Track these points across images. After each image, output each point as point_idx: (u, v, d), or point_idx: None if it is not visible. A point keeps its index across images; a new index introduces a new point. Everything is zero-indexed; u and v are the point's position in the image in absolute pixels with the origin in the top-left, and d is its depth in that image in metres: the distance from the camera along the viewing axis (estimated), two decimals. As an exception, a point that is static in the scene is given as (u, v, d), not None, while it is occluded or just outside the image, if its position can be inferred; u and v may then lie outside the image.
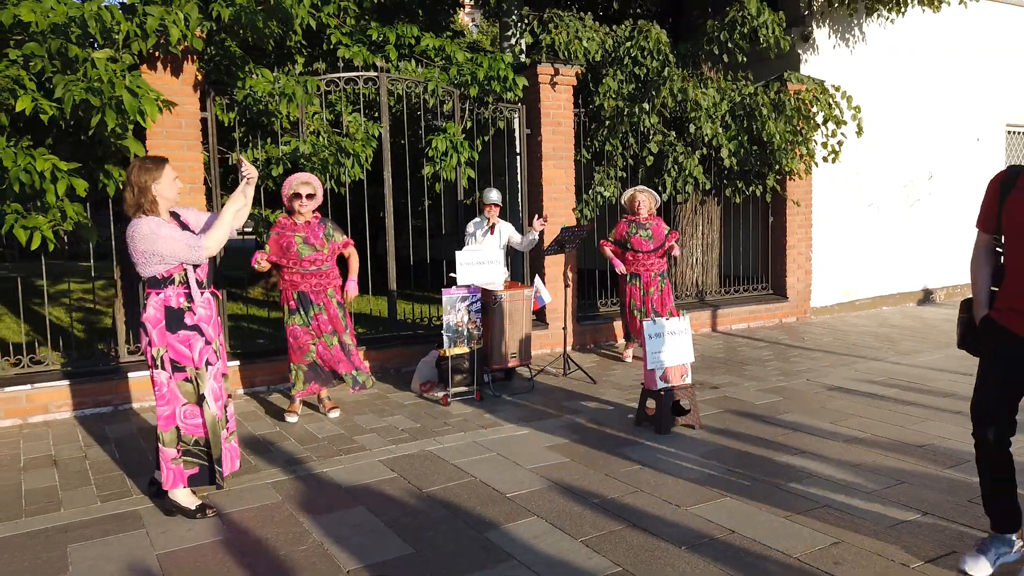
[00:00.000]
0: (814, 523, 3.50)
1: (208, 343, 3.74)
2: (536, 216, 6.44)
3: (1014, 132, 11.69)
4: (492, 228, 6.43)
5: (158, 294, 3.64)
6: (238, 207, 3.70)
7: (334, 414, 5.48)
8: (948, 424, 5.00)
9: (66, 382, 5.60)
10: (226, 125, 6.32)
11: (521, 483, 4.10)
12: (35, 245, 4.53)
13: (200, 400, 3.76)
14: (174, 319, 3.64)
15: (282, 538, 3.49)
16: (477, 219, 6.60)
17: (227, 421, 3.87)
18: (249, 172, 3.68)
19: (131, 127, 4.77)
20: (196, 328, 3.70)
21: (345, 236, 5.45)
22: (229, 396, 3.97)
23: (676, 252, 6.78)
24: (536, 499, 3.87)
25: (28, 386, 5.46)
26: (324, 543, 3.42)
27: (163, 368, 3.66)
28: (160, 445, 3.71)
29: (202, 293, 3.72)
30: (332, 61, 7.96)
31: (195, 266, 3.69)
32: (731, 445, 4.67)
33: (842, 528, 3.44)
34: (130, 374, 5.83)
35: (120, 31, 4.46)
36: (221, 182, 6.34)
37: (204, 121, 6.06)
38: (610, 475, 4.19)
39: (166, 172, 3.60)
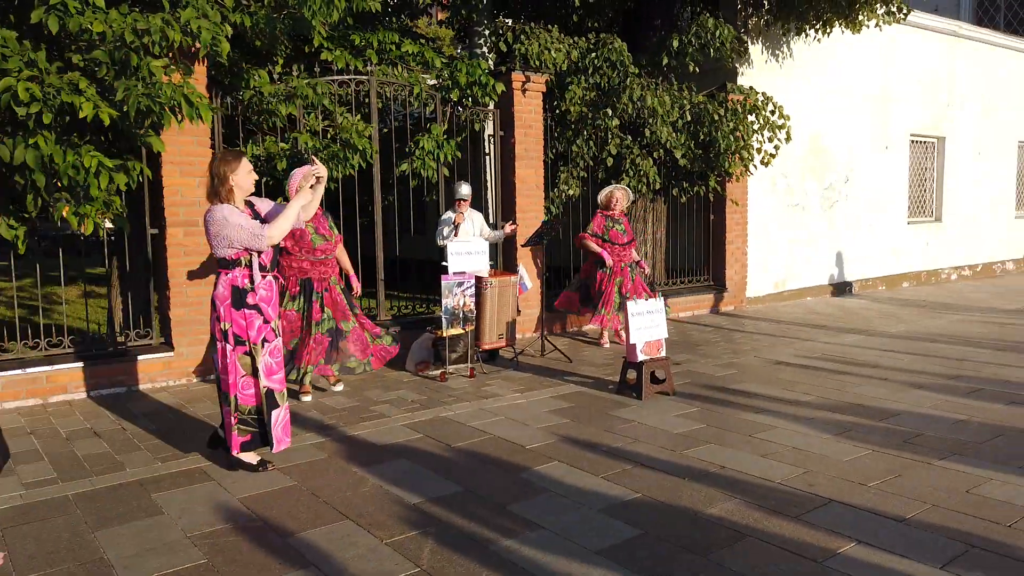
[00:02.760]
0: (786, 460, 4.28)
1: (267, 322, 4.20)
2: (510, 222, 7.12)
3: (916, 141, 13.08)
4: (457, 229, 6.96)
5: (227, 274, 4.09)
6: (304, 203, 4.18)
7: (339, 387, 5.96)
8: (877, 388, 5.90)
9: (81, 364, 5.88)
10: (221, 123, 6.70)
11: (535, 438, 4.74)
12: (88, 230, 4.87)
13: (255, 373, 4.21)
14: (238, 298, 4.10)
15: (344, 483, 4.02)
16: (451, 213, 7.15)
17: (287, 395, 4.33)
18: (319, 171, 4.17)
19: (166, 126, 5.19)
20: (256, 308, 4.15)
21: (338, 233, 5.94)
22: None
23: (647, 270, 7.50)
24: (552, 449, 4.52)
25: (48, 367, 5.73)
26: (382, 485, 3.97)
27: (227, 341, 4.11)
28: (226, 408, 4.15)
29: (264, 277, 4.16)
30: (311, 64, 8.36)
31: (259, 252, 4.15)
32: (703, 407, 5.43)
33: (809, 463, 4.22)
34: (140, 357, 6.15)
35: (175, 42, 4.84)
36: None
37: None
38: (609, 430, 4.88)
39: (243, 164, 4.06)
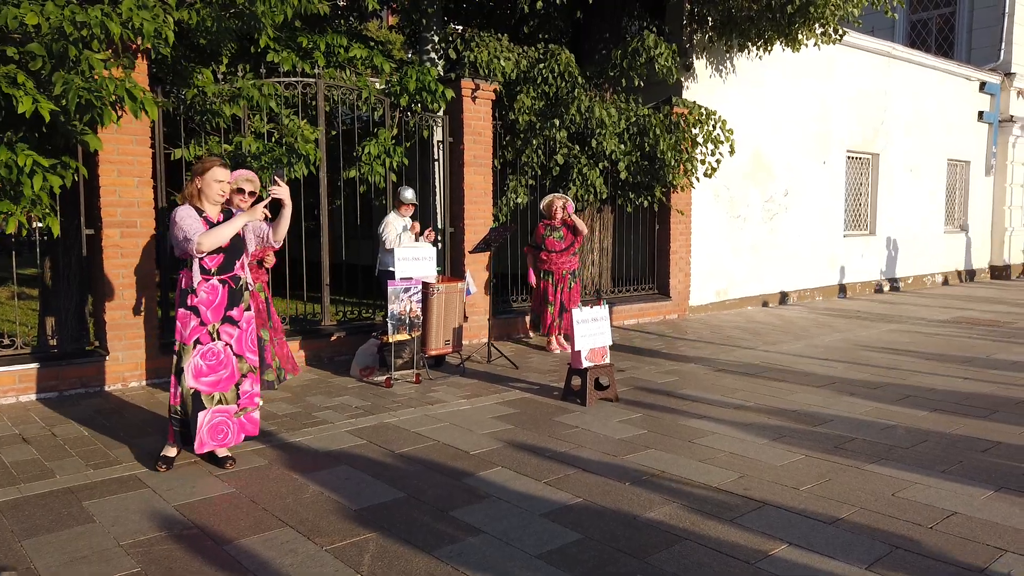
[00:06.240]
0: (723, 465, 4.39)
1: (203, 324, 4.12)
2: (428, 229, 7.11)
3: (852, 157, 13.55)
4: (413, 233, 6.96)
5: (181, 274, 4.08)
6: (250, 219, 4.14)
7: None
8: (811, 395, 6.09)
9: (9, 368, 5.67)
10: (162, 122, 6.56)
11: (479, 444, 4.76)
12: (11, 229, 4.71)
13: (179, 372, 4.14)
14: (182, 297, 4.07)
15: (284, 489, 3.97)
16: (394, 215, 7.08)
17: (238, 397, 4.27)
18: (278, 193, 4.15)
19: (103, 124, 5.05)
20: (194, 309, 4.10)
21: None
22: (243, 376, 4.33)
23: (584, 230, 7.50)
24: (496, 455, 4.54)
25: (-26, 371, 5.52)
26: (323, 491, 3.94)
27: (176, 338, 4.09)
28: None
29: (207, 280, 4.10)
30: (257, 65, 8.24)
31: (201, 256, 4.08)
32: (645, 413, 5.53)
33: (745, 468, 4.34)
34: (72, 361, 5.96)
35: (115, 34, 4.72)
36: (166, 177, 6.55)
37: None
38: (553, 436, 4.93)
39: (211, 172, 4.03)
